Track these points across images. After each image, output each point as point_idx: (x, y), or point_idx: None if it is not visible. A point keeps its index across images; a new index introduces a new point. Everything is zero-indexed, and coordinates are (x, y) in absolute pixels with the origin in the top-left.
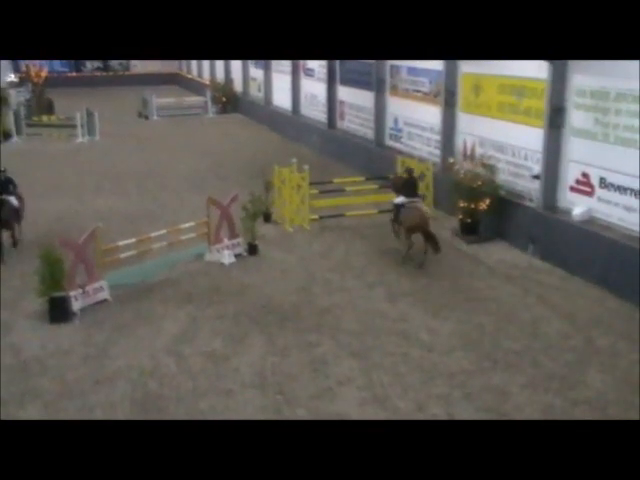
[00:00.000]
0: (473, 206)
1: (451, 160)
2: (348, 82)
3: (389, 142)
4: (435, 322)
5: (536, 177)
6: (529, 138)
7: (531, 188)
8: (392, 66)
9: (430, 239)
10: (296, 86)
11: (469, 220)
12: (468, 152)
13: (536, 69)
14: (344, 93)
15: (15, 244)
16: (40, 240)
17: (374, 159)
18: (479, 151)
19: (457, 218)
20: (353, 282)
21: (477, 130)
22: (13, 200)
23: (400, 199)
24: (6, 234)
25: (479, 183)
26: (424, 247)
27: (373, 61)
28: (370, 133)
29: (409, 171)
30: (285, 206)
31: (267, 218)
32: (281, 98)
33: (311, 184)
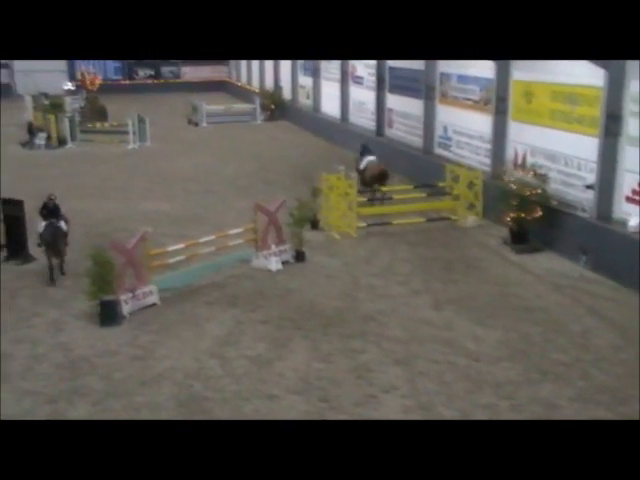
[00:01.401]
0: (523, 215)
1: (501, 169)
2: (397, 90)
3: (438, 150)
4: (481, 331)
5: (589, 187)
6: (582, 147)
7: (584, 198)
8: (442, 74)
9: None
10: (345, 93)
11: (519, 229)
12: (519, 161)
13: (590, 75)
14: (393, 101)
15: (62, 271)
16: (90, 241)
17: (422, 167)
18: (530, 160)
19: (506, 227)
20: (398, 289)
21: (528, 138)
22: (63, 225)
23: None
24: (55, 260)
25: (529, 192)
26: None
27: (422, 68)
28: (418, 141)
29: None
30: (332, 213)
31: (314, 225)
32: (329, 105)
33: (358, 191)
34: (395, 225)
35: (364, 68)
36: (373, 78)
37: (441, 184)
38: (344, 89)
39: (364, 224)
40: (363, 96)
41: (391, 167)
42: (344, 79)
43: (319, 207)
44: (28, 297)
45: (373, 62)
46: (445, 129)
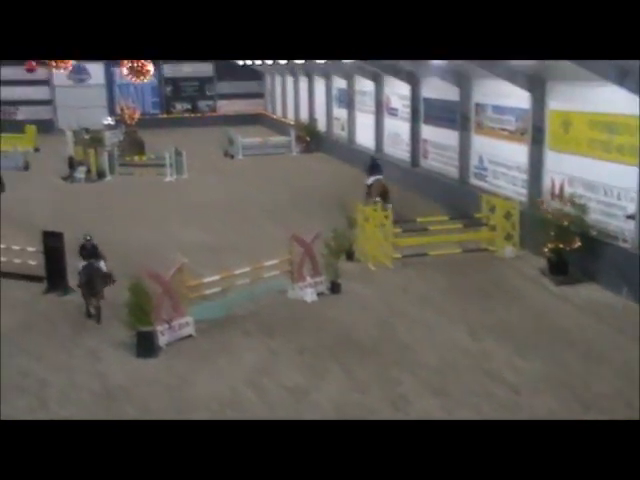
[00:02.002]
0: (562, 246)
1: (539, 199)
2: (432, 120)
3: (473, 181)
4: (521, 361)
5: (630, 217)
6: (622, 176)
7: (625, 228)
8: (477, 104)
9: (385, 198)
10: (379, 125)
11: (558, 260)
12: (556, 191)
13: (629, 104)
14: (427, 131)
15: (99, 317)
16: (129, 272)
17: (458, 198)
18: (568, 190)
19: (545, 258)
20: (435, 318)
21: (566, 168)
22: (103, 265)
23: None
24: (93, 301)
25: (568, 222)
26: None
27: (457, 99)
28: (454, 171)
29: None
30: (368, 244)
31: (350, 256)
32: (364, 137)
33: (394, 222)
34: (431, 256)
35: (398, 99)
36: (407, 109)
37: (477, 215)
38: (378, 120)
39: (400, 255)
40: (398, 127)
41: (426, 198)
42: (378, 110)
43: (355, 238)
44: (67, 327)
45: (407, 93)
46: (481, 159)
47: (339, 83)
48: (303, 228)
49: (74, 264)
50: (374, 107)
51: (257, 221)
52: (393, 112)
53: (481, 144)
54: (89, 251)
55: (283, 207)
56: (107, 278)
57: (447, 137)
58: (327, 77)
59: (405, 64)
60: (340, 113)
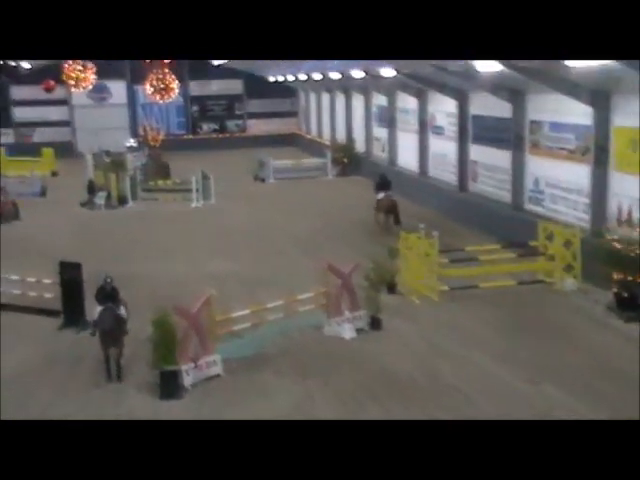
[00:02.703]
0: (631, 278)
1: (603, 225)
2: (481, 140)
3: (528, 206)
4: (588, 411)
5: None
6: None
7: None
8: (532, 121)
9: (396, 217)
10: (423, 145)
11: (626, 294)
12: (623, 216)
13: None
14: (477, 152)
15: (119, 371)
16: (152, 305)
17: (511, 225)
18: (637, 215)
19: (612, 292)
20: (485, 358)
21: (634, 191)
22: (123, 311)
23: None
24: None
25: (638, 251)
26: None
27: (510, 116)
28: (506, 196)
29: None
30: (411, 275)
31: (391, 288)
32: (406, 158)
33: (440, 252)
34: (482, 288)
35: (444, 117)
36: (454, 128)
37: (533, 243)
38: (422, 140)
39: (447, 287)
40: (443, 148)
41: (476, 225)
42: (422, 129)
43: (397, 269)
44: (87, 366)
45: (454, 110)
46: (536, 182)
47: (379, 100)
48: (340, 258)
49: (90, 305)
50: (417, 126)
51: (290, 250)
52: (438, 131)
53: (537, 165)
54: (108, 294)
55: (318, 235)
56: (125, 326)
57: (498, 158)
58: (366, 93)
59: (452, 79)
60: (380, 132)
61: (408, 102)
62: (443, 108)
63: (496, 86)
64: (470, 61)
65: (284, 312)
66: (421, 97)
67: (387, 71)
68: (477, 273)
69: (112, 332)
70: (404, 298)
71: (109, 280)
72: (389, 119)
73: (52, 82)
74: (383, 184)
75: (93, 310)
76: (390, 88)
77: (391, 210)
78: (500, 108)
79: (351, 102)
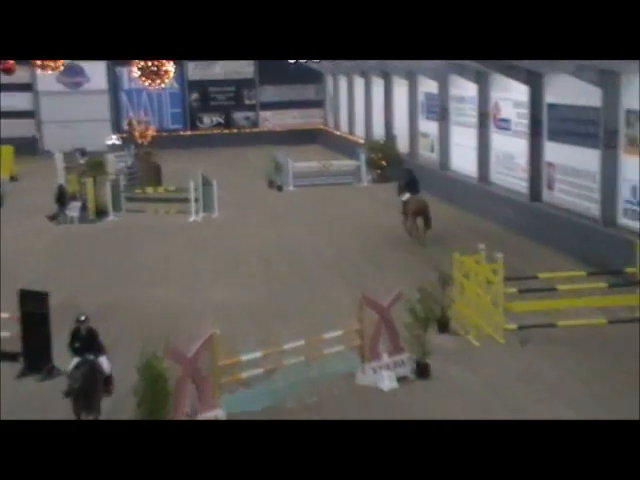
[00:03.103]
0: None
1: None
2: (560, 136)
3: (624, 220)
4: None
5: None
6: None
7: None
8: (629, 111)
9: (427, 221)
10: (484, 143)
11: None
12: None
13: None
14: (553, 152)
15: None
16: (139, 345)
17: (600, 244)
18: None
19: None
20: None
21: None
22: (104, 363)
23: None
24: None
25: None
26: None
27: (598, 105)
28: (594, 207)
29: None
30: (469, 309)
31: (443, 325)
32: (462, 160)
33: (506, 279)
34: (561, 327)
35: (511, 107)
36: (525, 121)
37: (630, 269)
38: (483, 137)
39: (515, 325)
40: (510, 146)
41: (552, 245)
42: (483, 123)
43: (450, 301)
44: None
45: (524, 98)
46: (635, 191)
47: (428, 86)
48: (378, 287)
49: (62, 340)
50: (477, 118)
51: (314, 276)
52: (504, 125)
53: (635, 169)
54: (84, 341)
55: (349, 257)
56: (109, 384)
57: (583, 159)
58: (411, 78)
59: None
60: (428, 127)
61: (465, 88)
62: (510, 95)
63: (580, 65)
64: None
65: (306, 355)
66: (481, 82)
67: None
68: (555, 308)
69: (89, 393)
70: (459, 338)
71: (83, 319)
72: (440, 110)
73: (11, 62)
74: (410, 183)
75: (65, 359)
76: (442, 71)
77: (420, 212)
78: (586, 94)
79: (391, 89)
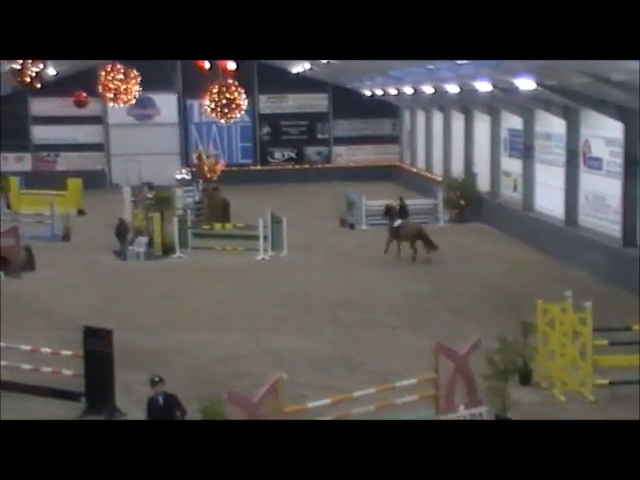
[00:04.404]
0: None
1: None
2: None
3: None
4: None
5: None
6: None
7: None
8: None
9: (427, 242)
10: (572, 183)
11: None
12: None
13: None
14: None
15: None
16: (201, 390)
17: None
18: None
19: None
20: None
21: None
22: None
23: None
24: None
25: None
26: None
27: None
28: None
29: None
30: (554, 361)
31: (525, 378)
32: (547, 200)
33: (595, 330)
34: None
35: (603, 145)
36: (618, 160)
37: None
38: (571, 176)
39: (606, 381)
40: (602, 187)
41: None
42: (572, 162)
43: (532, 351)
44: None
45: (618, 136)
46: None
47: (511, 122)
48: (454, 335)
49: (119, 380)
50: (565, 157)
51: (386, 323)
52: (595, 164)
53: None
54: (163, 412)
55: (423, 303)
56: None
57: None
58: (493, 113)
59: (616, 92)
60: (511, 165)
61: (552, 124)
62: (602, 133)
63: None
64: None
65: (375, 404)
66: (570, 118)
67: (524, 83)
68: None
69: None
70: (543, 393)
71: (157, 380)
72: (525, 147)
73: (84, 94)
74: (401, 210)
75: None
76: (527, 106)
77: (418, 236)
78: None
79: (472, 124)
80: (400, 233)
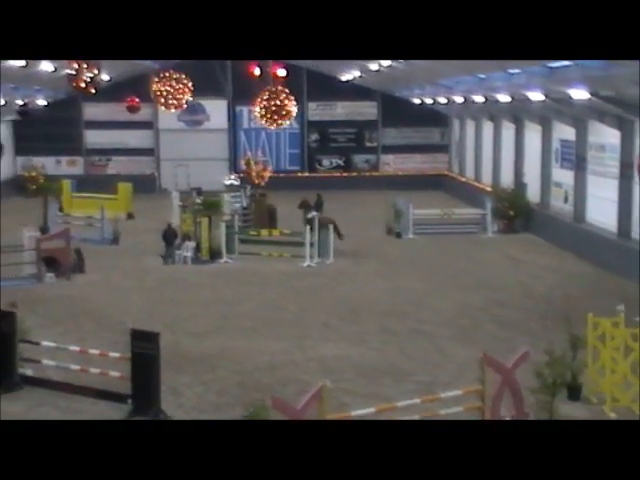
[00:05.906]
0: None
1: None
2: None
3: None
4: None
5: None
6: None
7: None
8: None
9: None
10: (626, 195)
11: None
12: None
13: None
14: None
15: None
16: (246, 397)
17: None
18: None
19: None
20: None
21: None
22: None
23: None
24: None
25: None
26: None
27: None
28: None
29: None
30: (605, 376)
31: (574, 392)
32: (600, 212)
33: None
34: None
35: None
36: None
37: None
38: (625, 188)
39: None
40: None
41: None
42: (626, 173)
43: (582, 366)
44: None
45: None
46: None
47: (563, 132)
48: (501, 347)
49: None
50: (618, 168)
51: (433, 333)
52: None
53: None
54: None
55: (471, 314)
56: None
57: None
58: (545, 123)
59: None
60: (563, 176)
61: (606, 135)
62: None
63: None
64: None
65: (420, 414)
66: (625, 129)
67: (578, 93)
68: None
69: None
70: (592, 408)
71: None
72: (577, 158)
73: (137, 100)
74: (317, 205)
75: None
76: (580, 116)
77: (331, 222)
78: None
79: (523, 134)
80: (312, 223)
